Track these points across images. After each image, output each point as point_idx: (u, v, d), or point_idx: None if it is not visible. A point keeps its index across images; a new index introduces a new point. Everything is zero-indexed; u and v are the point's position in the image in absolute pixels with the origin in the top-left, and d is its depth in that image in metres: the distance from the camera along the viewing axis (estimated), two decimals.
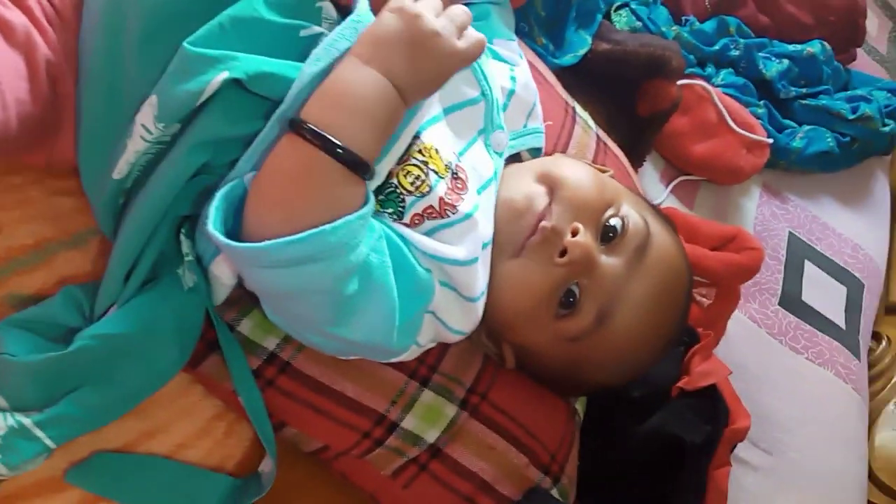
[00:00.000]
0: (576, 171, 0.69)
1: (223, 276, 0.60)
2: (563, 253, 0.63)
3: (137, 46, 0.57)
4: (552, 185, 0.66)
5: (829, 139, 1.28)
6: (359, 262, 0.54)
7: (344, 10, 0.61)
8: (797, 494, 0.98)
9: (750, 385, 1.02)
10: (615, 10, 1.18)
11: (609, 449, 0.83)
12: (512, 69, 0.72)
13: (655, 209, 0.75)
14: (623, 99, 1.11)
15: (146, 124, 0.56)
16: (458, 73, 0.59)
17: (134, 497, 0.61)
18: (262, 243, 0.51)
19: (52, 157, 0.62)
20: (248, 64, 0.55)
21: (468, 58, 0.59)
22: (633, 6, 1.19)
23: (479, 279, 0.63)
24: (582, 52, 1.04)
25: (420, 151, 0.60)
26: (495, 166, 0.67)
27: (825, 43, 1.35)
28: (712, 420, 0.88)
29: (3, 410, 0.55)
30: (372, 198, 0.56)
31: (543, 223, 0.64)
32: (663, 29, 1.19)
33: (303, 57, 0.58)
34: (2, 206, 0.62)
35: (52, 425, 0.55)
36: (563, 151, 0.88)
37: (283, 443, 0.67)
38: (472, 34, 0.59)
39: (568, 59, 1.05)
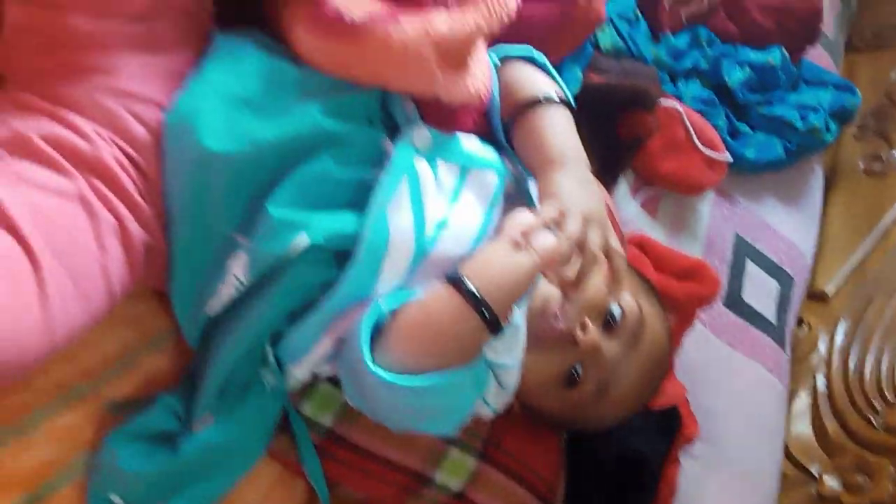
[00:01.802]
0: None
1: (301, 375, 0.72)
2: (574, 344, 0.76)
3: (223, 203, 0.66)
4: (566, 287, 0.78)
5: (779, 148, 1.42)
6: None
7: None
8: (724, 477, 1.17)
9: (694, 380, 1.19)
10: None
11: (584, 463, 0.99)
12: None
13: (647, 284, 0.88)
14: (602, 124, 1.20)
15: (238, 276, 0.66)
16: None
17: None
18: (424, 381, 0.63)
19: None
20: (323, 226, 0.65)
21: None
22: (615, 21, 1.27)
23: (517, 377, 0.75)
24: (574, 90, 1.12)
25: None
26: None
27: (784, 51, 1.45)
28: (669, 431, 1.07)
29: None
30: None
31: (560, 326, 0.76)
32: (644, 52, 1.27)
33: (363, 197, 0.67)
34: None
35: None
36: None
37: (334, 497, 0.80)
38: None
39: None
